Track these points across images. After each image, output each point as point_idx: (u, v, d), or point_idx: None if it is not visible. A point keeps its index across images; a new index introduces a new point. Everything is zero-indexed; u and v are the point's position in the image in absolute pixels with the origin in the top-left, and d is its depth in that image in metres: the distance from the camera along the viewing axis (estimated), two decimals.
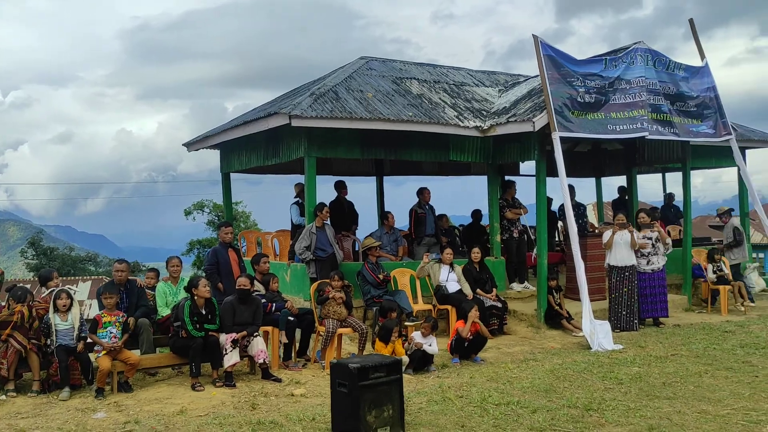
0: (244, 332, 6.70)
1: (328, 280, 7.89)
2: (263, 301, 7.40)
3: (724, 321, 9.45)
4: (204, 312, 6.68)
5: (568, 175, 14.32)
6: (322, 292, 7.68)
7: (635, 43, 9.70)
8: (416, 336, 7.22)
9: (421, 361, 7.17)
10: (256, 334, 6.82)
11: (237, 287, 6.95)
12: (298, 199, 10.74)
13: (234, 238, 13.68)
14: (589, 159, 14.18)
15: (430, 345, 7.18)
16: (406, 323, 8.23)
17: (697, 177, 10.17)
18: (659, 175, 15.28)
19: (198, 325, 6.59)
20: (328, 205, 10.28)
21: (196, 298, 6.67)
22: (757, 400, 5.44)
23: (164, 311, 7.36)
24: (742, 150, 12.48)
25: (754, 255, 15.16)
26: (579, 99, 9.13)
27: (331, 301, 7.47)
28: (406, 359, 7.07)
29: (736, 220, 11.78)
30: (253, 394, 6.24)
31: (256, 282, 7.68)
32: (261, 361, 6.72)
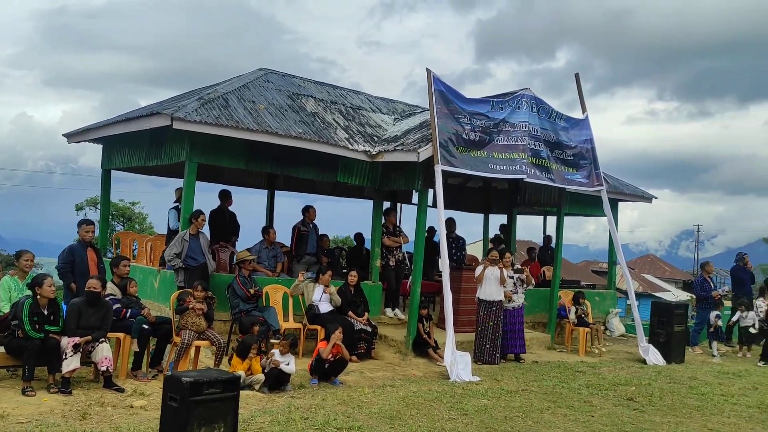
0: (89, 337, 6.34)
1: (190, 290, 7.64)
2: (117, 306, 7.06)
3: (579, 361, 9.91)
4: (46, 312, 6.28)
5: (459, 209, 14.94)
6: (182, 302, 7.42)
7: (522, 89, 10.14)
8: (275, 354, 7.10)
9: (278, 380, 7.04)
10: (103, 339, 6.47)
11: (86, 289, 6.58)
12: (177, 204, 10.40)
13: (108, 239, 13.13)
14: (479, 195, 14.69)
15: (287, 364, 7.07)
16: (272, 340, 8.09)
17: (591, 224, 10.80)
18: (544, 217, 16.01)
19: (37, 326, 6.17)
20: (209, 213, 10.06)
21: (39, 297, 6.26)
22: None
23: (6, 307, 6.85)
24: (615, 202, 13.33)
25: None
26: (464, 136, 9.41)
27: (190, 312, 7.23)
28: (261, 377, 6.94)
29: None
30: (89, 403, 5.90)
31: (112, 285, 7.32)
32: (104, 368, 6.39)
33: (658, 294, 37.79)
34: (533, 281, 10.27)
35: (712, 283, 12.21)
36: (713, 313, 11.50)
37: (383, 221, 10.74)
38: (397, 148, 9.72)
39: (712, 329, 11.54)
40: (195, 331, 7.21)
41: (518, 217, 14.72)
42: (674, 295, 35.83)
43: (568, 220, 15.69)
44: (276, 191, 13.93)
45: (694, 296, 12.66)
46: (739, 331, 11.88)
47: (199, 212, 8.94)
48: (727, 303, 13.00)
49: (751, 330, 11.52)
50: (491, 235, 16.28)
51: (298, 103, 10.75)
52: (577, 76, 11.20)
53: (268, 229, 10.39)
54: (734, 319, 11.92)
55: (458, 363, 8.24)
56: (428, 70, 9.41)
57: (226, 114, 8.98)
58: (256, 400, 6.41)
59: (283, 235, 10.99)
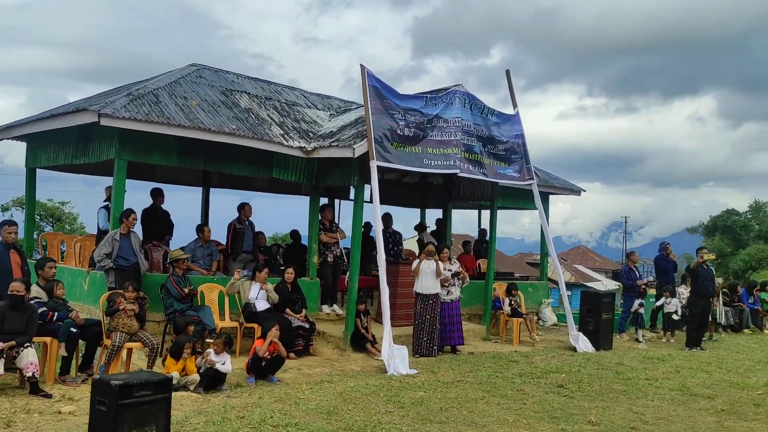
0: (12, 342, 6.10)
1: (121, 291, 7.44)
2: (43, 309, 6.81)
3: (513, 351, 10.18)
4: None
5: (396, 204, 15.06)
6: (112, 303, 7.22)
7: (455, 86, 10.32)
8: (210, 354, 7.00)
9: (213, 380, 6.95)
10: (28, 344, 6.24)
11: (9, 292, 6.32)
12: (107, 203, 10.09)
13: (34, 240, 12.61)
14: (415, 190, 14.85)
15: (223, 363, 6.99)
16: (208, 340, 7.98)
17: (526, 217, 11.16)
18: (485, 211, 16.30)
19: None
20: (141, 212, 9.81)
21: None
22: (518, 426, 5.88)
23: None
24: (545, 195, 13.72)
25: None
26: (399, 131, 9.51)
27: (121, 313, 7.05)
28: (196, 377, 6.84)
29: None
30: (14, 410, 5.68)
31: (37, 288, 7.05)
32: (29, 374, 6.16)
33: (589, 284, 39.14)
34: (468, 279, 10.47)
35: (637, 272, 12.76)
36: (636, 301, 12.02)
37: (320, 217, 10.73)
38: (332, 144, 9.73)
39: (632, 316, 12.06)
40: (126, 333, 7.04)
41: (455, 211, 14.99)
42: (604, 284, 37.17)
43: (503, 214, 16.13)
44: (211, 188, 13.72)
45: (622, 285, 13.17)
46: (663, 318, 12.45)
47: (130, 211, 8.71)
48: (652, 291, 13.60)
49: (674, 317, 12.11)
50: (429, 230, 16.54)
51: (231, 99, 10.60)
52: (507, 72, 11.47)
53: (202, 227, 10.23)
54: (658, 304, 12.50)
55: (395, 357, 8.34)
56: (362, 66, 9.45)
57: (157, 110, 8.78)
58: (191, 401, 6.31)
59: (219, 233, 10.86)
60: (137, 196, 11.58)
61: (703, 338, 11.49)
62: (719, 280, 13.27)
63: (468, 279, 10.49)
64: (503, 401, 6.80)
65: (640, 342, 11.69)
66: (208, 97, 10.16)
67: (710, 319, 11.98)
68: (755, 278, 22.83)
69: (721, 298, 13.00)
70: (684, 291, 12.45)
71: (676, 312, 12.08)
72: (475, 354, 9.82)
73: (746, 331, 13.37)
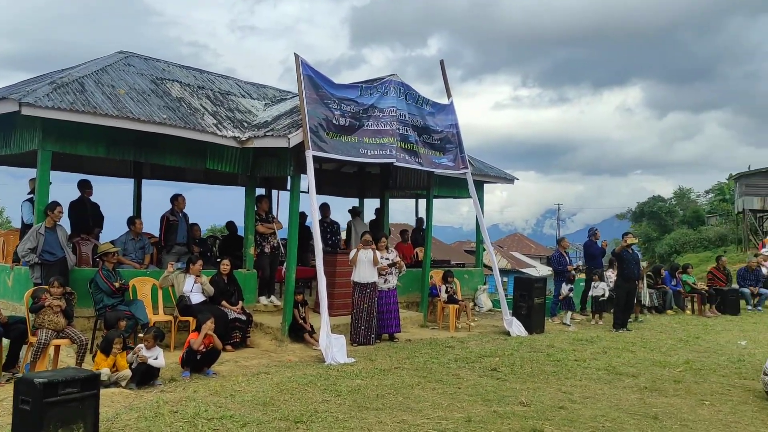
0: None
1: (46, 286, 7.19)
2: None
3: (450, 337, 10.38)
4: None
5: (335, 194, 15.05)
6: (37, 299, 6.97)
7: (390, 76, 10.37)
8: (141, 349, 6.86)
9: (146, 375, 6.81)
10: None
11: None
12: (31, 195, 9.69)
13: None
14: (353, 180, 14.89)
15: (155, 358, 6.86)
16: (140, 335, 7.81)
17: (464, 206, 11.40)
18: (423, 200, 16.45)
19: None
20: (69, 205, 9.49)
21: None
22: (452, 410, 6.01)
23: None
24: (480, 184, 13.99)
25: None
26: (334, 121, 9.50)
27: (46, 309, 6.82)
28: (128, 373, 6.70)
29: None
30: None
31: None
32: None
33: (525, 270, 40.18)
34: (404, 268, 10.59)
35: (567, 258, 13.19)
36: (566, 286, 12.44)
37: (256, 208, 10.62)
38: (267, 134, 9.63)
39: (562, 299, 12.48)
40: (53, 330, 6.81)
41: (395, 200, 15.08)
42: (538, 270, 38.22)
43: (442, 203, 16.33)
44: (143, 180, 13.34)
45: (553, 270, 13.58)
46: (591, 301, 12.93)
47: (55, 204, 8.40)
48: (582, 276, 14.09)
49: (601, 299, 12.59)
50: (367, 219, 16.60)
51: (162, 87, 10.33)
52: (442, 63, 11.59)
53: (134, 220, 9.97)
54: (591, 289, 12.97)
55: (333, 346, 8.37)
56: (296, 56, 9.38)
57: (83, 99, 8.48)
58: (122, 398, 6.18)
59: (152, 225, 10.60)
60: (65, 188, 11.16)
61: (629, 319, 11.99)
62: (644, 264, 13.85)
63: (405, 267, 10.61)
64: (439, 386, 6.94)
65: (569, 325, 12.11)
66: (138, 86, 9.88)
67: (635, 301, 12.50)
68: (679, 261, 23.95)
69: (645, 281, 13.59)
70: (612, 275, 12.93)
71: (603, 295, 12.56)
72: (413, 341, 9.96)
73: (669, 312, 14.02)
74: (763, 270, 15.44)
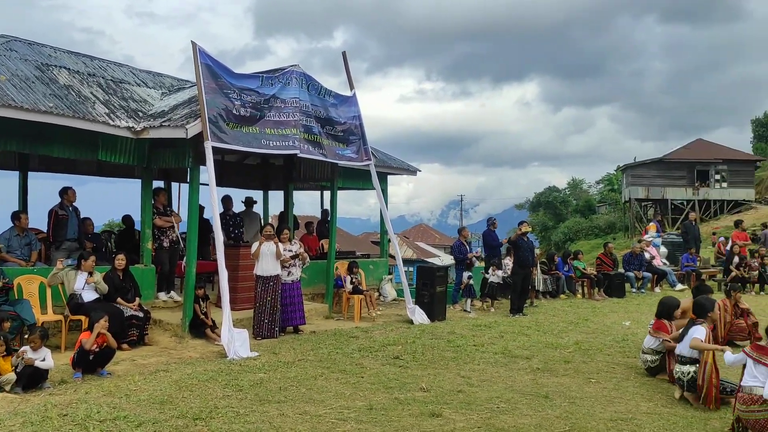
0: None
1: None
2: None
3: (354, 327, 10.47)
4: None
5: (238, 186, 14.75)
6: None
7: (292, 66, 10.27)
8: (26, 351, 6.49)
9: (33, 378, 6.45)
10: None
11: None
12: None
13: None
14: (257, 172, 14.65)
15: (43, 359, 6.51)
16: (26, 336, 7.37)
17: (372, 198, 11.44)
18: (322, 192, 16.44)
19: None
20: None
21: None
22: (354, 399, 6.10)
23: None
24: (384, 175, 14.17)
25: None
26: (234, 111, 9.30)
27: None
28: (12, 377, 6.32)
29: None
30: None
31: None
32: None
33: (429, 259, 41.06)
34: (308, 260, 10.57)
35: (468, 247, 13.60)
36: (465, 274, 12.85)
37: (153, 201, 10.26)
38: (163, 124, 9.31)
39: (462, 287, 12.89)
40: None
41: (304, 193, 14.97)
42: (441, 259, 39.20)
43: (351, 195, 16.47)
44: (30, 172, 12.52)
45: (454, 259, 13.96)
46: (489, 288, 13.41)
47: None
48: (482, 264, 14.58)
49: (495, 286, 13.08)
50: (271, 212, 16.41)
51: (48, 74, 9.75)
52: (344, 54, 11.61)
53: (19, 215, 9.39)
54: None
55: (236, 340, 8.24)
56: (193, 44, 9.11)
57: None
58: (6, 402, 5.84)
59: (40, 220, 10.00)
60: None
61: (525, 305, 12.55)
62: (538, 251, 14.49)
63: (308, 259, 10.59)
64: (342, 376, 7.01)
65: (469, 311, 12.52)
66: (21, 72, 9.27)
67: (531, 286, 13.08)
68: (573, 248, 25.25)
69: (539, 267, 14.25)
70: (509, 262, 13.45)
71: (499, 282, 13.06)
72: (317, 332, 9.97)
73: (562, 296, 14.78)
74: (646, 255, 16.55)
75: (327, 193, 16.10)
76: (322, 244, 14.07)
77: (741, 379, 5.40)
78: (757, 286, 15.74)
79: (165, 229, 10.32)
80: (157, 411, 5.46)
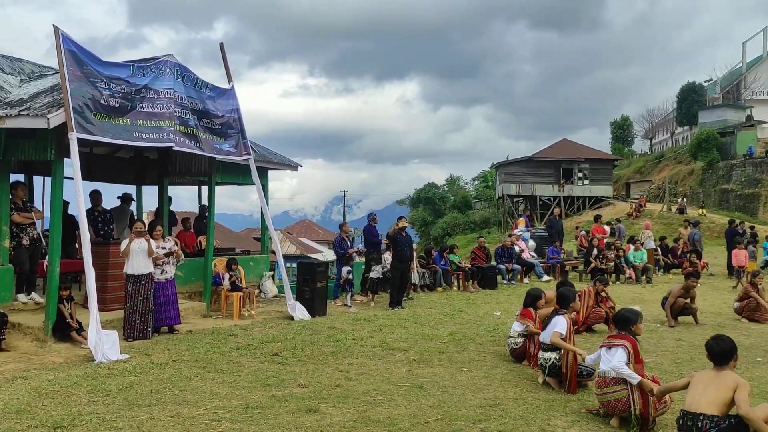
0: None
1: None
2: None
3: (233, 325, 10.27)
4: None
5: (109, 180, 13.97)
6: None
7: (165, 56, 9.87)
8: None
9: None
10: None
11: None
12: None
13: None
14: (130, 165, 13.95)
15: None
16: None
17: (255, 194, 11.11)
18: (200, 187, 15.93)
19: None
20: None
21: None
22: (230, 398, 5.99)
23: None
24: (265, 171, 13.98)
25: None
26: (103, 101, 8.81)
27: None
28: None
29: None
30: None
31: None
32: None
33: (313, 255, 40.98)
34: (183, 257, 10.23)
35: (349, 242, 13.72)
36: (345, 268, 12.98)
37: (11, 196, 9.51)
38: (22, 112, 8.62)
39: (342, 282, 13.02)
40: None
41: (182, 188, 14.43)
42: (324, 255, 39.23)
43: (233, 190, 16.09)
44: None
45: (335, 254, 14.03)
46: (370, 282, 13.63)
47: None
48: (362, 259, 14.76)
49: (375, 280, 13.31)
50: (146, 208, 15.72)
51: None
52: (221, 46, 11.33)
53: None
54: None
55: (104, 343, 7.83)
56: (56, 28, 8.52)
57: None
58: None
59: None
60: None
61: (404, 298, 12.86)
62: (415, 245, 14.89)
63: (183, 257, 10.25)
64: (218, 376, 6.86)
65: (349, 306, 12.66)
66: None
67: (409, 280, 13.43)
68: (450, 243, 26.16)
69: (417, 261, 14.66)
70: (389, 257, 13.72)
71: (379, 277, 13.30)
72: (194, 332, 9.68)
73: (439, 289, 15.29)
74: (516, 248, 17.48)
75: (205, 188, 15.68)
76: (199, 241, 13.64)
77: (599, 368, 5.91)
78: (613, 276, 17.09)
79: (25, 226, 9.59)
80: (13, 421, 5.10)
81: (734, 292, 14.66)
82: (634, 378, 5.48)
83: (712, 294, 15.07)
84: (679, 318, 10.89)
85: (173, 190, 15.50)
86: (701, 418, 4.56)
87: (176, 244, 10.03)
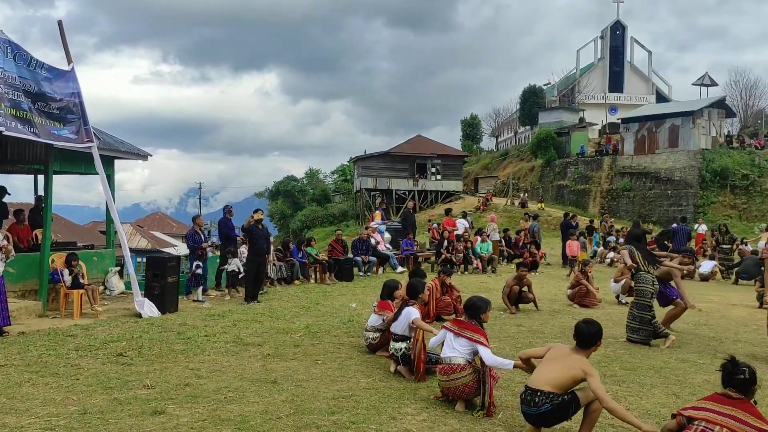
0: None
1: None
2: None
3: (73, 325, 9.57)
4: None
5: None
6: None
7: None
8: None
9: None
10: None
11: None
12: None
13: None
14: None
15: None
16: None
17: (99, 184, 10.19)
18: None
19: None
20: None
21: None
22: (66, 404, 5.59)
23: None
24: (111, 160, 13.14)
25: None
26: None
27: None
28: None
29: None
30: None
31: None
32: None
33: (165, 249, 39.19)
34: (13, 253, 9.37)
35: (202, 235, 13.30)
36: (194, 263, 12.57)
37: None
38: None
39: (191, 276, 12.62)
40: None
41: (18, 176, 13.15)
42: (178, 249, 37.67)
43: (78, 180, 14.91)
44: None
45: (188, 248, 13.54)
46: (226, 276, 13.30)
47: None
48: (217, 252, 14.37)
49: (232, 274, 13.03)
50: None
51: None
52: (60, 24, 10.47)
53: None
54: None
55: None
56: None
57: None
58: None
59: None
60: None
61: (260, 292, 12.69)
62: (273, 238, 14.75)
63: (13, 252, 9.38)
64: (53, 380, 6.38)
65: (202, 301, 12.28)
66: None
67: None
68: (309, 235, 26.14)
69: (273, 254, 14.51)
70: (245, 250, 13.46)
71: (234, 270, 13.02)
72: (27, 333, 8.92)
73: (296, 282, 15.23)
74: (372, 241, 17.85)
75: (42, 178, 14.45)
76: (35, 234, 12.58)
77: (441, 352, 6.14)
78: (462, 266, 17.98)
79: None
80: None
81: (567, 280, 15.99)
82: (509, 363, 5.66)
83: (548, 282, 16.35)
84: (520, 306, 11.70)
85: (6, 180, 14.12)
86: (538, 393, 4.91)
87: (6, 238, 9.16)
